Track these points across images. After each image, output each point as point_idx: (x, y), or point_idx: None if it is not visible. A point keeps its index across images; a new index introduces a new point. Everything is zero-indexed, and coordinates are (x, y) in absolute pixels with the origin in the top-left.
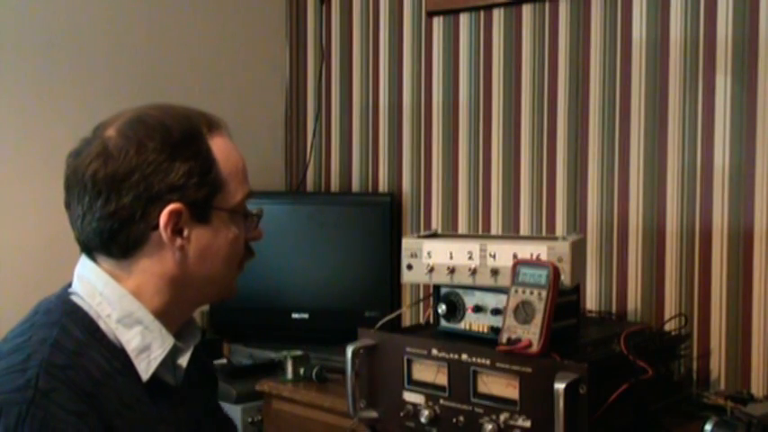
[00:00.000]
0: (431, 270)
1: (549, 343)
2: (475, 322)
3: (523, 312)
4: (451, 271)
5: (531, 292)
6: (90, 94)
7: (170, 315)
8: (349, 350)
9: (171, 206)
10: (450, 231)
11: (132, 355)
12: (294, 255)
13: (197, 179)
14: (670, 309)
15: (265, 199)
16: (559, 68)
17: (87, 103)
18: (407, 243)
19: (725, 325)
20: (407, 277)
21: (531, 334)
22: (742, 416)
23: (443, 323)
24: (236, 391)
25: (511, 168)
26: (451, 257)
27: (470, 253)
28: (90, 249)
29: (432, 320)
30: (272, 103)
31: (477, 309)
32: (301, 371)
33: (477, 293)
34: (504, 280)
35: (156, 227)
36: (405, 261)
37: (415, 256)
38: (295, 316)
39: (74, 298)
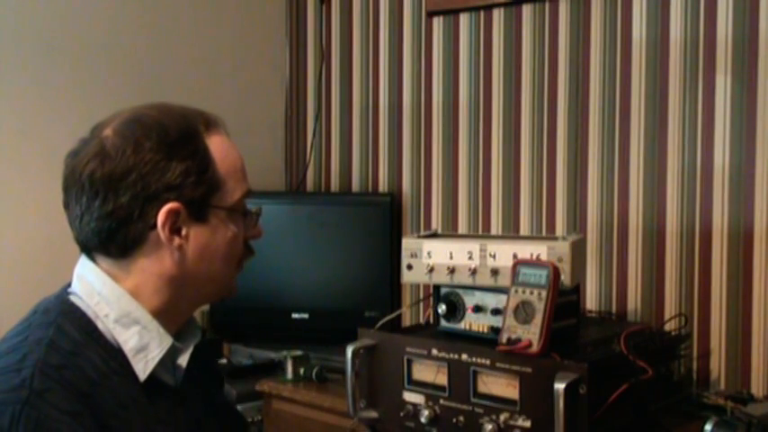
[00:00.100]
0: (431, 270)
1: (549, 343)
2: (475, 322)
3: (523, 312)
4: (451, 271)
5: (531, 292)
6: (89, 94)
7: (169, 315)
8: (349, 350)
9: (168, 205)
10: (450, 231)
11: (129, 355)
12: (294, 255)
13: (194, 178)
14: (670, 309)
15: (265, 199)
16: (559, 68)
17: (87, 103)
18: (407, 243)
19: (725, 325)
20: (407, 277)
21: (531, 334)
22: (742, 416)
23: (443, 323)
24: (236, 391)
25: (511, 168)
26: (451, 257)
27: (470, 253)
28: (89, 249)
29: (432, 320)
30: (272, 103)
31: (477, 309)
32: (301, 371)
33: (477, 293)
34: (504, 280)
35: (154, 226)
36: (405, 261)
37: (415, 256)
38: (295, 316)
39: (72, 298)
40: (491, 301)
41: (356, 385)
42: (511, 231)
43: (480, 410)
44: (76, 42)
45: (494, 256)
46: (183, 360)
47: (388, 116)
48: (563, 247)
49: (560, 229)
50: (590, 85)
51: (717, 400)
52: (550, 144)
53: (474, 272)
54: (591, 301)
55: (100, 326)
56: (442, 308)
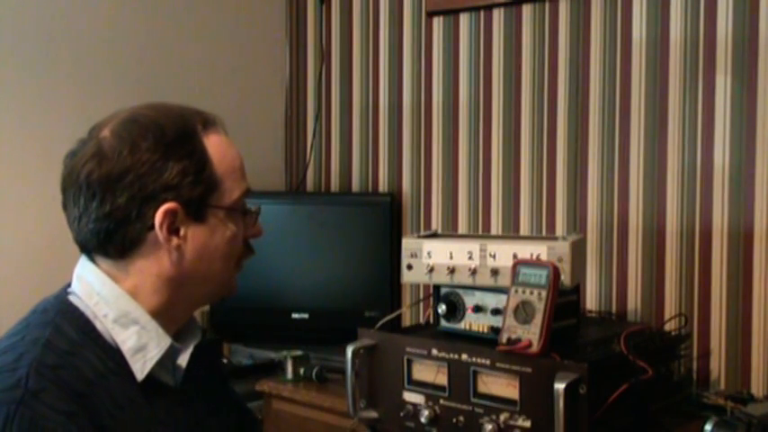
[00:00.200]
0: (431, 270)
1: (549, 343)
2: (475, 322)
3: (523, 312)
4: (451, 271)
5: (531, 292)
6: (90, 94)
7: (169, 315)
8: (349, 350)
9: (166, 205)
10: (450, 231)
11: (127, 355)
12: (294, 255)
13: (192, 178)
14: (670, 309)
15: (265, 199)
16: (559, 68)
17: (87, 103)
18: (407, 243)
19: (725, 325)
20: (407, 277)
21: (531, 334)
22: (742, 416)
23: (443, 323)
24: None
25: (511, 168)
26: (451, 257)
27: (470, 253)
28: (88, 250)
29: (432, 320)
30: (272, 103)
31: (477, 309)
32: (301, 371)
33: (477, 293)
34: (504, 280)
35: (152, 227)
36: (405, 261)
37: (415, 256)
38: (295, 316)
39: (71, 298)
40: (491, 301)
41: (356, 385)
42: (511, 231)
43: (480, 410)
44: (76, 42)
45: (494, 256)
46: (183, 360)
47: (388, 116)
48: (563, 247)
49: (560, 229)
50: (590, 85)
51: (717, 400)
52: (550, 144)
53: (474, 272)
54: (591, 301)
55: (98, 326)
56: (442, 308)
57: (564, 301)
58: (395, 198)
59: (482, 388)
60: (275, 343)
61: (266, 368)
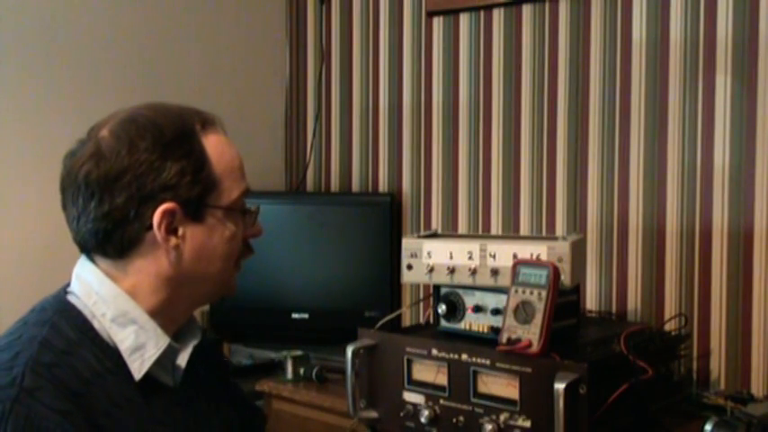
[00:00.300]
0: (431, 270)
1: (549, 343)
2: (475, 322)
3: (523, 312)
4: (451, 271)
5: (531, 292)
6: (90, 95)
7: (167, 315)
8: (349, 350)
9: (164, 205)
10: (450, 231)
11: (125, 354)
12: (294, 255)
13: (190, 177)
14: (670, 309)
15: (265, 199)
16: (559, 68)
17: (87, 103)
18: (407, 243)
19: (725, 325)
20: (407, 277)
21: (531, 334)
22: (742, 416)
23: (443, 323)
24: None
25: (511, 168)
26: (451, 257)
27: (470, 253)
28: (87, 250)
29: (432, 320)
30: (272, 103)
31: (477, 309)
32: (301, 371)
33: (477, 293)
34: (504, 280)
35: (151, 226)
36: (405, 261)
37: (415, 256)
38: (295, 316)
39: (70, 297)
40: (491, 301)
41: (356, 385)
42: (511, 231)
43: (480, 410)
44: (77, 42)
45: (494, 256)
46: (183, 360)
47: (388, 116)
48: (563, 247)
49: (560, 229)
50: (590, 85)
51: (717, 400)
52: (550, 144)
53: (474, 272)
54: (591, 301)
55: (96, 325)
56: (442, 308)
57: (564, 301)
58: (395, 198)
59: (482, 388)
60: (275, 343)
61: (266, 368)
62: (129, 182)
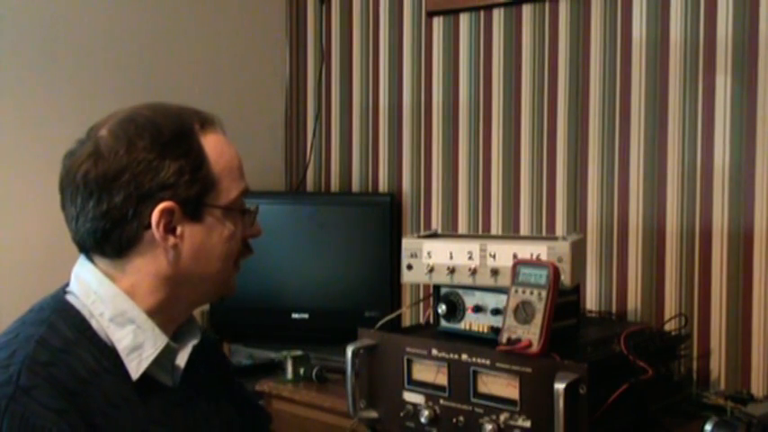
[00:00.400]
0: (431, 270)
1: (549, 343)
2: (475, 322)
3: (523, 312)
4: (451, 271)
5: (531, 292)
6: (90, 94)
7: (166, 314)
8: (349, 350)
9: (162, 204)
10: (450, 231)
11: (123, 354)
12: (294, 255)
13: (188, 177)
14: (670, 309)
15: (265, 199)
16: (559, 68)
17: (87, 103)
18: (407, 243)
19: (725, 325)
20: (407, 277)
21: (531, 334)
22: (742, 416)
23: (443, 323)
24: None
25: (511, 168)
26: (451, 257)
27: (470, 253)
28: (86, 249)
29: (432, 320)
30: (272, 103)
31: (477, 309)
32: (301, 371)
33: (477, 293)
34: (504, 280)
35: (149, 226)
36: (405, 261)
37: (415, 256)
38: (295, 316)
39: (68, 297)
40: (491, 301)
41: (356, 385)
42: (511, 231)
43: (480, 410)
44: (77, 43)
45: (494, 256)
46: (182, 360)
47: (388, 116)
48: (563, 247)
49: (560, 229)
50: (590, 85)
51: (717, 400)
52: (550, 144)
53: (474, 272)
54: (591, 301)
55: (94, 324)
56: (442, 308)
57: (564, 301)
58: (395, 198)
59: (482, 388)
60: (275, 343)
61: (266, 368)
62: (127, 181)
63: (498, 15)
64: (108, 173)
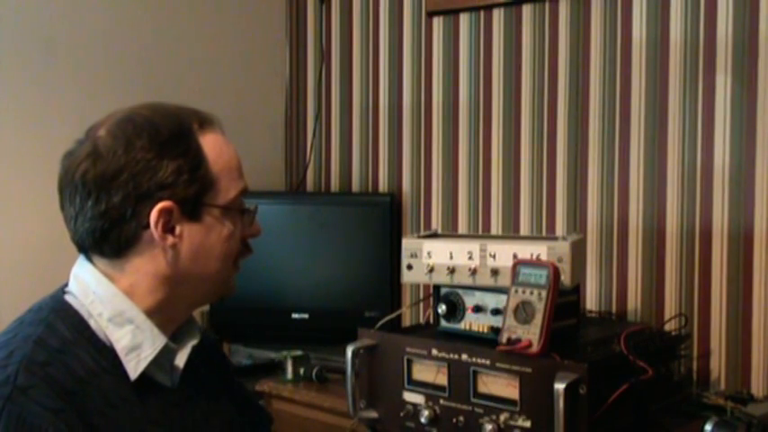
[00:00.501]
0: (431, 270)
1: (549, 343)
2: (475, 322)
3: (523, 312)
4: (451, 271)
5: (531, 292)
6: (90, 95)
7: (166, 314)
8: (349, 350)
9: (161, 204)
10: (450, 231)
11: (121, 354)
12: (294, 255)
13: (187, 176)
14: (670, 309)
15: (265, 199)
16: (559, 68)
17: (87, 103)
18: (407, 243)
19: (725, 325)
20: (407, 277)
21: (531, 334)
22: (742, 416)
23: (443, 323)
24: None
25: (511, 168)
26: (451, 257)
27: (470, 253)
28: (85, 249)
29: (432, 320)
30: (272, 103)
31: (477, 309)
32: (301, 371)
33: (477, 293)
34: (504, 280)
35: (148, 225)
36: (405, 261)
37: (415, 256)
38: (295, 316)
39: (67, 297)
40: (491, 301)
41: (356, 385)
42: (511, 231)
43: (480, 410)
44: (77, 43)
45: (494, 256)
46: (181, 360)
47: (388, 116)
48: (563, 247)
49: (560, 229)
50: (590, 86)
51: (717, 400)
52: (550, 144)
53: (474, 272)
54: (591, 301)
55: (93, 324)
56: (442, 308)
57: (564, 301)
58: (395, 198)
59: (482, 388)
60: (275, 343)
61: (266, 368)
62: (125, 181)
63: (498, 15)
64: (106, 173)
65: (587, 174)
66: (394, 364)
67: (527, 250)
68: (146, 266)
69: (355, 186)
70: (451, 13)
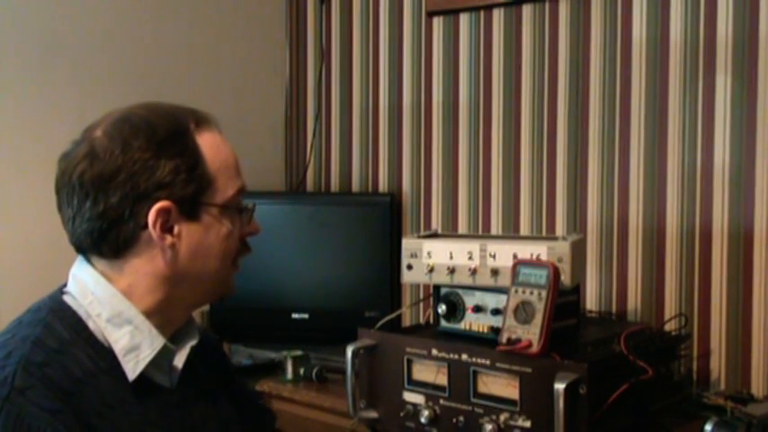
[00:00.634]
0: (431, 270)
1: (549, 343)
2: (475, 322)
3: (523, 312)
4: (451, 271)
5: (531, 292)
6: (90, 95)
7: (165, 315)
8: (349, 350)
9: (159, 204)
10: (450, 231)
11: (120, 354)
12: (294, 255)
13: (184, 175)
14: (670, 309)
15: (265, 199)
16: (559, 68)
17: (87, 103)
18: (407, 243)
19: (725, 325)
20: (407, 277)
21: (531, 334)
22: (742, 416)
23: (443, 323)
24: None
25: (511, 168)
26: (451, 257)
27: (470, 253)
28: (83, 250)
29: (432, 320)
30: (272, 103)
31: (477, 309)
32: (301, 371)
33: (477, 293)
34: (504, 280)
35: (146, 225)
36: (405, 261)
37: (415, 256)
38: (295, 316)
39: (66, 297)
40: (491, 301)
41: (356, 385)
42: (511, 231)
43: (480, 410)
44: (76, 43)
45: (494, 256)
46: (179, 361)
47: (388, 116)
48: (563, 247)
49: (560, 229)
50: (590, 86)
51: (717, 400)
52: (550, 144)
53: (474, 272)
54: (591, 301)
55: (91, 325)
56: (442, 308)
57: (564, 301)
58: (395, 198)
59: (482, 388)
60: (275, 343)
61: (266, 368)
62: (123, 181)
63: (498, 15)
64: (104, 173)
65: (587, 174)
66: (394, 364)
67: (527, 250)
68: (144, 267)
69: (355, 186)
70: (451, 13)
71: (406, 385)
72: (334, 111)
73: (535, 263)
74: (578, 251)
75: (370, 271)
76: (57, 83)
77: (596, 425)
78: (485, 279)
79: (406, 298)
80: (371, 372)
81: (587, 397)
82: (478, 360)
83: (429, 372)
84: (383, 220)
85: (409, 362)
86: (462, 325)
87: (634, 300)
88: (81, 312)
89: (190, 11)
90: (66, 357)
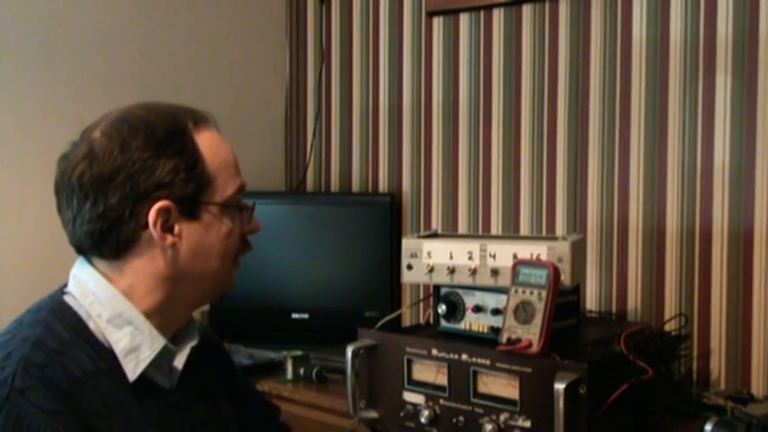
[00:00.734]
0: (431, 270)
1: (549, 343)
2: (475, 322)
3: (523, 312)
4: (451, 271)
5: (531, 292)
6: (89, 95)
7: (165, 315)
8: (349, 350)
9: (159, 204)
10: (450, 231)
11: (120, 355)
12: (294, 255)
13: (184, 175)
14: (670, 309)
15: (265, 199)
16: (559, 68)
17: (87, 103)
18: (407, 243)
19: (725, 325)
20: (407, 277)
21: (531, 334)
22: (742, 416)
23: (443, 323)
24: None
25: (511, 168)
26: (451, 257)
27: (470, 253)
28: (83, 251)
29: (432, 320)
30: (272, 103)
31: (477, 309)
32: (301, 371)
33: (477, 293)
34: (504, 280)
35: (146, 225)
36: (405, 261)
37: (415, 256)
38: (295, 316)
39: (66, 298)
40: (491, 301)
41: (356, 385)
42: (511, 231)
43: (480, 410)
44: (76, 43)
45: (494, 256)
46: (179, 362)
47: (388, 116)
48: (563, 247)
49: (560, 229)
50: (590, 85)
51: (717, 400)
52: (550, 144)
53: (474, 272)
54: (591, 301)
55: (91, 326)
56: (442, 308)
57: (564, 301)
58: (395, 198)
59: (482, 388)
60: (275, 343)
61: (266, 368)
62: (122, 181)
63: (498, 15)
64: (103, 174)
65: (587, 174)
66: (394, 364)
67: (527, 250)
68: (145, 267)
69: (355, 186)
70: (451, 13)
71: (406, 385)
72: (334, 111)
73: (535, 263)
74: (578, 251)
75: (370, 271)
76: (56, 83)
77: (596, 425)
78: (485, 279)
79: (406, 298)
80: (371, 372)
81: (587, 397)
82: (478, 360)
83: (429, 372)
84: (383, 220)
85: (409, 362)
86: (462, 325)
87: (634, 300)
88: (81, 313)
89: (190, 11)
90: (66, 358)
